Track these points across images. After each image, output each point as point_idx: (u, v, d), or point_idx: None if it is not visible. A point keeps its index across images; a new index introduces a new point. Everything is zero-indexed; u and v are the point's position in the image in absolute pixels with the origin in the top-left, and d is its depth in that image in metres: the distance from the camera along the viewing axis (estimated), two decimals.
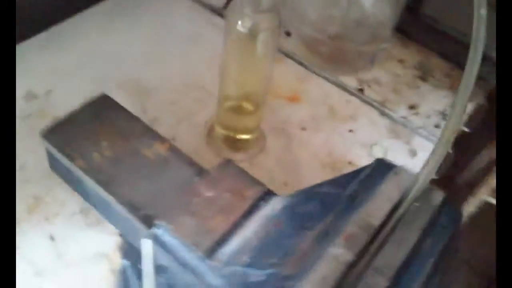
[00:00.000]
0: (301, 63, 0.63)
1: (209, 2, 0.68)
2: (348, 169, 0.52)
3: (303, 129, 0.56)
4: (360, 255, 0.27)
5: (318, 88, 0.61)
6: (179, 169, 0.38)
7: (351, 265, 0.26)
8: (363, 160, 0.54)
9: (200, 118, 0.55)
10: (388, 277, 0.26)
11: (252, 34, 0.41)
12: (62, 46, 0.60)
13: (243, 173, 0.35)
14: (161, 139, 0.40)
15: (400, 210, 0.28)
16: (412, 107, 0.60)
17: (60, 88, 0.56)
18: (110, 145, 0.39)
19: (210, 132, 0.53)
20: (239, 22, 0.40)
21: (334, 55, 0.60)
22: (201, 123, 0.54)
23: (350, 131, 0.57)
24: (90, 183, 0.37)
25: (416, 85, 0.63)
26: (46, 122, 0.42)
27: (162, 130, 0.52)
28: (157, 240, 0.32)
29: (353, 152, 0.55)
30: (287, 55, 0.63)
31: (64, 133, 0.39)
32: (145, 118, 0.53)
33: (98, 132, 0.39)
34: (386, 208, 0.29)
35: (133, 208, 0.35)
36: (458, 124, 0.30)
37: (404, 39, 0.67)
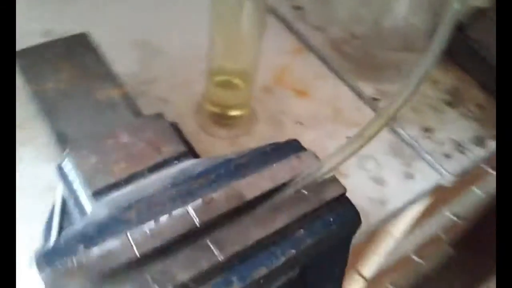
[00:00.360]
0: (321, 58, 0.60)
1: None
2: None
3: (299, 123, 0.53)
4: (209, 222, 0.24)
5: (331, 88, 0.57)
6: (122, 116, 0.37)
7: (192, 229, 0.24)
8: (351, 169, 0.50)
9: (198, 89, 0.54)
10: (226, 254, 0.23)
11: (237, 1, 0.39)
12: None
13: (170, 129, 0.34)
14: (119, 85, 0.39)
15: (281, 193, 0.25)
16: (427, 129, 0.55)
17: None
18: (67, 79, 0.39)
19: (198, 106, 0.52)
20: None
21: (358, 57, 0.57)
22: (198, 93, 0.53)
23: (348, 137, 0.53)
24: (36, 108, 0.37)
25: (441, 110, 0.57)
26: None
27: (156, 91, 0.52)
28: (61, 171, 0.31)
29: None
30: (308, 47, 0.60)
31: (32, 57, 0.40)
32: (144, 75, 0.54)
33: (62, 65, 0.39)
34: (266, 185, 0.26)
35: (61, 139, 0.34)
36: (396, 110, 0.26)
37: (446, 60, 0.61)
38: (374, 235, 0.68)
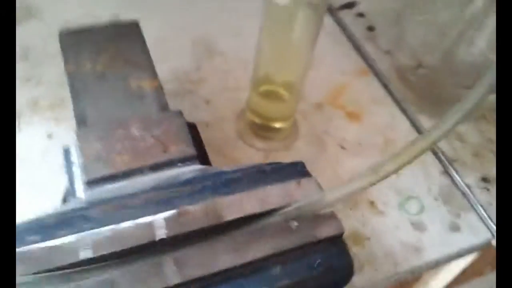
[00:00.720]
0: (383, 83, 0.55)
1: None
2: (365, 208, 0.44)
3: (343, 147, 0.49)
4: (177, 237, 0.21)
5: (387, 116, 0.53)
6: (146, 108, 0.35)
7: (154, 241, 0.21)
8: (389, 207, 0.46)
9: (245, 95, 0.52)
10: (183, 278, 0.21)
11: (291, 8, 0.37)
12: None
13: (184, 129, 0.32)
14: (154, 78, 0.38)
15: (266, 219, 0.22)
16: (485, 179, 0.49)
17: None
18: (105, 63, 0.38)
19: (241, 112, 0.50)
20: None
21: (422, 88, 0.52)
22: (243, 99, 0.52)
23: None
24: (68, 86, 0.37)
25: None
26: None
27: (203, 91, 0.51)
28: (66, 154, 0.30)
29: (382, 194, 0.46)
30: (373, 70, 0.56)
31: (76, 38, 0.40)
32: (194, 74, 0.53)
33: (105, 48, 0.39)
34: (251, 208, 0.23)
35: (80, 121, 0.34)
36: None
37: None
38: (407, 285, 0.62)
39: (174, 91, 0.51)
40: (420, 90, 0.52)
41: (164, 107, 0.36)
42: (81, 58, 0.39)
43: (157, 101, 0.36)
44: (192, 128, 0.34)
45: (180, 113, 0.33)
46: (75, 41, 0.40)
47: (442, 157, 0.50)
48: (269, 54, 0.41)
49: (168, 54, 0.54)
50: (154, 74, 0.38)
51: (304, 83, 0.45)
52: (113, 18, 0.57)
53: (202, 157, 0.32)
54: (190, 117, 0.49)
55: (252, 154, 0.47)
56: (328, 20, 0.62)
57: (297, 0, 0.37)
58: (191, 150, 0.30)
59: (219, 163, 0.46)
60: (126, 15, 0.57)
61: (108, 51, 0.40)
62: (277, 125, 0.48)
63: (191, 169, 0.29)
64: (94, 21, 0.56)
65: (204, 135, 0.48)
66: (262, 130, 0.48)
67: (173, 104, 0.50)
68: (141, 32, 0.42)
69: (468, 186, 0.48)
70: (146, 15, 0.58)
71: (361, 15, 0.63)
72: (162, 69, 0.54)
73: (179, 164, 0.29)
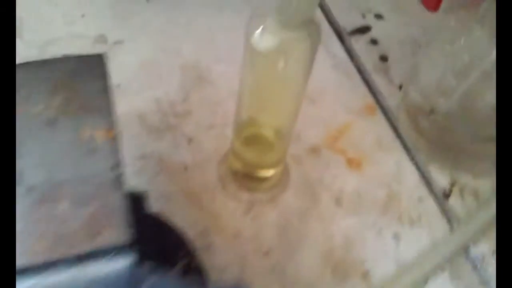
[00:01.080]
0: (392, 125, 0.49)
1: None
2: (356, 282, 0.39)
3: (338, 202, 0.43)
4: None
5: (393, 164, 0.46)
6: (97, 164, 0.30)
7: None
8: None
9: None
10: None
11: (277, 56, 0.31)
12: None
13: (125, 206, 0.27)
14: (110, 126, 0.33)
15: None
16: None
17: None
18: (58, 105, 0.33)
19: (225, 155, 0.44)
20: (260, 39, 0.31)
21: (435, 135, 0.45)
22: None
23: (395, 237, 0.42)
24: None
25: None
26: None
27: (187, 127, 0.46)
28: None
29: (380, 265, 0.40)
30: (382, 108, 0.50)
31: (33, 72, 0.35)
32: (180, 106, 0.47)
33: (62, 87, 0.34)
34: None
35: (19, 179, 0.29)
36: None
37: None
38: None
39: (155, 126, 0.46)
40: (432, 137, 0.45)
41: (116, 164, 0.31)
42: (33, 99, 0.34)
43: (108, 158, 0.31)
44: (138, 201, 0.29)
45: (119, 180, 0.28)
46: (32, 76, 0.35)
47: (453, 219, 0.43)
48: (252, 98, 0.36)
49: (154, 80, 0.49)
50: (111, 122, 0.33)
51: (295, 126, 0.39)
52: (99, 38, 0.52)
53: (147, 242, 0.27)
54: (168, 158, 0.44)
55: (233, 207, 0.42)
56: (336, 46, 0.56)
57: (283, 48, 0.31)
58: (122, 238, 0.25)
59: (193, 217, 0.41)
60: (113, 36, 0.52)
61: (65, 90, 0.35)
62: (263, 173, 0.42)
63: (115, 267, 0.24)
64: (78, 41, 0.52)
65: (181, 180, 0.43)
66: (246, 179, 0.42)
67: (151, 142, 0.45)
68: (105, 68, 0.37)
69: (481, 257, 0.41)
70: (133, 35, 0.53)
71: (374, 42, 0.56)
72: (146, 98, 0.49)
73: (105, 256, 0.24)
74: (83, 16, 0.54)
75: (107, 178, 0.29)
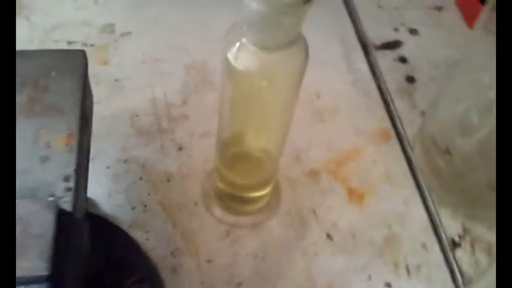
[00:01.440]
0: (406, 157, 0.44)
1: None
2: None
3: (330, 237, 0.39)
4: None
5: (400, 202, 0.42)
6: (47, 176, 0.28)
7: None
8: None
9: None
10: None
11: (256, 76, 0.27)
12: None
13: (47, 235, 0.23)
14: (72, 132, 0.30)
15: None
16: None
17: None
18: (23, 103, 0.31)
19: (211, 171, 0.41)
20: (237, 56, 0.27)
21: (449, 177, 0.40)
22: None
23: (387, 286, 0.37)
24: None
25: None
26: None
27: (179, 132, 0.43)
28: None
29: None
30: (397, 135, 0.45)
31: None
32: (177, 110, 0.44)
33: (30, 83, 0.32)
34: None
35: None
36: None
37: None
38: None
39: (145, 128, 0.43)
40: (447, 178, 0.40)
41: (67, 178, 0.28)
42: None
43: (59, 169, 0.28)
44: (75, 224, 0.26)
45: (55, 202, 0.25)
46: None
47: (457, 273, 0.38)
48: (234, 115, 0.32)
49: (155, 78, 0.47)
50: (76, 127, 0.30)
51: (283, 146, 0.35)
52: (108, 27, 0.50)
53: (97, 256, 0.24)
54: (152, 165, 0.41)
55: (211, 229, 0.38)
56: (359, 60, 0.51)
57: (261, 69, 0.27)
58: (41, 269, 0.22)
59: (167, 233, 0.38)
60: (122, 26, 0.50)
61: (33, 88, 0.32)
62: (248, 195, 0.38)
63: None
64: (85, 29, 0.50)
65: (161, 191, 0.40)
66: (230, 199, 0.39)
67: (138, 145, 0.42)
68: (84, 66, 0.34)
69: None
70: (143, 28, 0.51)
71: (403, 59, 0.51)
72: (142, 96, 0.46)
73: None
74: (95, 2, 0.52)
75: (46, 194, 0.27)
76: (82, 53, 0.34)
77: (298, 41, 0.27)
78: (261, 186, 0.37)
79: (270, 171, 0.37)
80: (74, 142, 0.30)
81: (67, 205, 0.27)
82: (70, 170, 0.29)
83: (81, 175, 0.30)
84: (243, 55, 0.26)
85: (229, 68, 0.27)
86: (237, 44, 0.26)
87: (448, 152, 0.38)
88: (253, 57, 0.26)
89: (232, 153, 0.36)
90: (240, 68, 0.27)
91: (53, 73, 0.33)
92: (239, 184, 0.37)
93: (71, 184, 0.28)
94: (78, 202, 0.28)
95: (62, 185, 0.28)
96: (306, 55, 0.28)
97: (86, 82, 0.33)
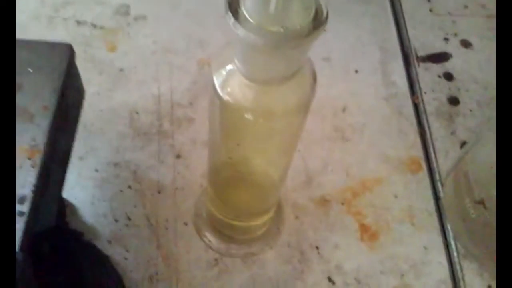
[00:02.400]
0: (435, 197, 0.38)
1: None
2: None
3: (329, 281, 0.34)
4: None
5: (419, 248, 0.36)
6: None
7: None
8: None
9: None
10: None
11: (247, 110, 0.22)
12: None
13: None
14: (38, 144, 0.26)
15: None
16: None
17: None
18: None
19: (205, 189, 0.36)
20: (224, 85, 0.22)
21: (480, 232, 0.34)
22: None
23: None
24: None
25: None
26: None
27: (180, 136, 0.39)
28: None
29: None
30: (429, 167, 0.39)
31: None
32: (181, 109, 0.40)
33: None
34: None
35: None
36: None
37: None
38: None
39: (144, 129, 0.39)
40: (476, 230, 0.34)
41: (21, 200, 0.25)
42: None
43: (15, 187, 0.25)
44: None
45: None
46: None
47: None
48: (226, 143, 0.27)
49: (163, 72, 0.42)
50: (41, 138, 0.27)
51: (286, 174, 0.30)
52: (122, 7, 0.45)
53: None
54: (144, 173, 0.37)
55: (198, 255, 0.34)
56: (398, 72, 0.44)
57: (253, 103, 0.22)
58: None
59: (147, 254, 0.34)
60: (137, 8, 0.46)
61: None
62: (242, 223, 0.34)
63: None
64: (98, 8, 0.45)
65: (150, 204, 0.36)
66: (223, 224, 0.34)
67: (132, 147, 0.37)
68: (69, 63, 0.30)
69: None
70: (160, 13, 0.46)
71: (448, 76, 0.44)
72: (146, 92, 0.41)
73: None
74: None
75: None
76: (69, 48, 0.30)
77: (301, 69, 0.21)
78: (258, 215, 0.33)
79: (270, 200, 0.32)
80: (38, 156, 0.26)
81: (15, 235, 0.24)
82: (27, 190, 0.25)
83: (44, 195, 0.26)
84: (233, 84, 0.21)
85: (216, 95, 0.22)
86: (227, 69, 0.21)
87: (482, 203, 0.32)
88: (244, 89, 0.21)
89: (225, 177, 0.31)
90: (228, 99, 0.22)
91: (30, 70, 0.29)
92: (232, 211, 0.33)
93: (25, 207, 0.25)
94: (31, 230, 0.24)
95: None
96: (312, 84, 0.22)
97: (68, 82, 0.29)
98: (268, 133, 0.24)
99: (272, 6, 0.18)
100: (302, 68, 0.21)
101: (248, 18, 0.18)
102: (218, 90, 0.22)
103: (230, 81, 0.22)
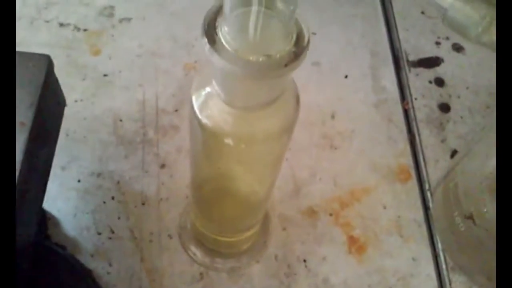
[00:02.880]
0: (424, 207, 0.37)
1: None
2: None
3: None
4: None
5: (407, 260, 0.36)
6: None
7: None
8: None
9: None
10: None
11: (228, 135, 0.21)
12: None
13: None
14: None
15: None
16: None
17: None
18: None
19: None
20: (203, 107, 0.21)
21: (469, 246, 0.34)
22: None
23: None
24: None
25: None
26: None
27: (165, 146, 0.38)
28: None
29: None
30: (418, 176, 0.39)
31: None
32: (167, 119, 0.39)
33: None
34: None
35: None
36: None
37: None
38: None
39: (128, 137, 0.38)
40: (465, 244, 0.34)
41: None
42: None
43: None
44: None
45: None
46: None
47: None
48: (208, 163, 0.26)
49: (148, 77, 0.41)
50: (17, 158, 0.26)
51: (272, 189, 0.29)
52: (106, 10, 0.44)
53: None
54: (127, 184, 0.36)
55: (182, 269, 0.34)
56: (388, 77, 0.43)
57: (233, 128, 0.21)
58: None
59: (130, 267, 0.33)
60: (122, 10, 0.44)
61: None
62: (227, 238, 0.33)
63: None
64: (81, 9, 0.44)
65: (133, 216, 0.35)
66: (205, 239, 0.33)
67: (115, 157, 0.36)
68: (45, 76, 0.28)
69: None
70: (145, 14, 0.44)
71: (439, 82, 0.44)
72: (130, 97, 0.39)
73: None
74: None
75: None
76: (47, 59, 0.29)
77: (284, 92, 0.20)
78: (243, 231, 0.32)
79: (256, 215, 0.31)
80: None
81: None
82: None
83: (22, 212, 0.26)
84: (212, 107, 0.21)
85: (195, 117, 0.21)
86: (206, 90, 0.21)
87: (471, 217, 0.31)
88: (224, 113, 0.20)
89: (207, 192, 0.30)
90: (206, 123, 0.21)
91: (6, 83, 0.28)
92: (216, 227, 0.32)
93: None
94: None
95: None
96: (296, 107, 0.21)
97: (46, 95, 0.28)
98: (250, 157, 0.23)
99: (251, 33, 0.17)
100: (284, 91, 0.20)
101: (226, 45, 0.17)
102: (197, 112, 0.21)
103: (209, 104, 0.21)
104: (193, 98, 0.21)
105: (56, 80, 0.30)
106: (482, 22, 0.13)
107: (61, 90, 0.31)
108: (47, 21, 0.43)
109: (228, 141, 0.21)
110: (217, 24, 0.18)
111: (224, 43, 0.17)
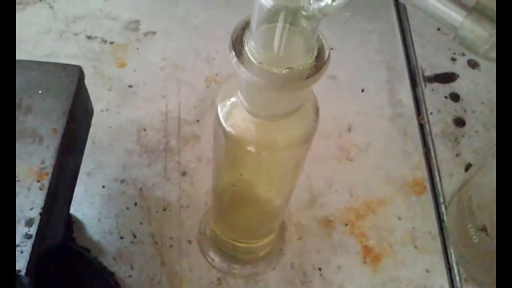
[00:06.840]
0: (438, 220, 0.38)
1: None
2: None
3: None
4: None
5: (420, 270, 0.36)
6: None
7: None
8: None
9: None
10: None
11: (251, 142, 0.23)
12: None
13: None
14: (46, 166, 0.27)
15: None
16: None
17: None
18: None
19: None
20: (228, 116, 0.22)
21: (482, 256, 0.34)
22: None
23: None
24: None
25: None
26: None
27: (187, 155, 0.39)
28: None
29: None
30: (432, 189, 0.39)
31: None
32: (188, 129, 0.40)
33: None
34: None
35: None
36: None
37: None
38: None
39: (151, 146, 0.40)
40: (478, 256, 0.34)
41: (29, 222, 0.25)
42: None
43: (24, 209, 0.25)
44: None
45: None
46: None
47: None
48: (231, 171, 0.27)
49: (171, 88, 0.43)
50: (50, 160, 0.27)
51: (289, 198, 0.30)
52: (132, 23, 0.46)
53: None
54: (150, 190, 0.37)
55: (201, 273, 0.35)
56: (404, 91, 0.44)
57: (256, 136, 0.22)
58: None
59: (151, 270, 0.34)
60: (147, 24, 0.46)
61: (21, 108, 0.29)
62: (245, 245, 0.34)
63: None
64: (108, 22, 0.46)
65: (155, 221, 0.36)
66: (224, 245, 0.35)
67: (139, 164, 0.38)
68: (78, 85, 0.30)
69: None
70: (169, 28, 0.46)
71: (455, 97, 0.44)
72: (154, 108, 0.41)
73: None
74: None
75: None
76: (78, 69, 0.31)
77: (304, 103, 0.22)
78: (260, 237, 0.33)
79: (273, 223, 0.32)
80: (46, 178, 0.27)
81: (22, 257, 0.24)
82: (35, 212, 0.26)
83: (52, 217, 0.27)
84: (236, 116, 0.22)
85: (219, 125, 0.23)
86: (231, 100, 0.22)
87: (484, 230, 0.32)
88: (247, 122, 0.22)
89: (227, 201, 0.31)
90: (230, 131, 0.22)
91: (39, 91, 0.30)
92: (234, 233, 0.33)
93: (33, 230, 0.25)
94: (38, 252, 0.25)
95: (22, 230, 0.25)
96: (315, 117, 0.23)
97: (77, 104, 0.30)
98: (271, 164, 0.24)
99: (275, 47, 0.18)
100: (305, 103, 0.22)
101: (251, 58, 0.19)
102: (222, 121, 0.22)
103: (233, 113, 0.22)
104: (218, 107, 0.22)
105: (86, 90, 0.32)
106: (491, 39, 0.14)
107: (90, 100, 0.32)
108: (76, 34, 0.45)
109: (251, 148, 0.22)
110: (244, 38, 0.19)
111: (250, 56, 0.19)
